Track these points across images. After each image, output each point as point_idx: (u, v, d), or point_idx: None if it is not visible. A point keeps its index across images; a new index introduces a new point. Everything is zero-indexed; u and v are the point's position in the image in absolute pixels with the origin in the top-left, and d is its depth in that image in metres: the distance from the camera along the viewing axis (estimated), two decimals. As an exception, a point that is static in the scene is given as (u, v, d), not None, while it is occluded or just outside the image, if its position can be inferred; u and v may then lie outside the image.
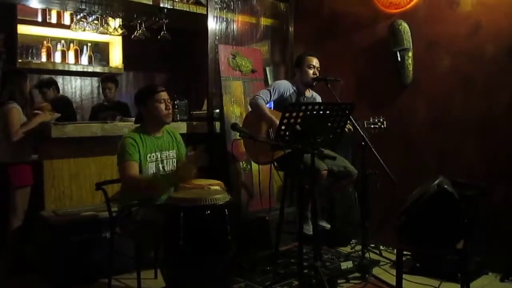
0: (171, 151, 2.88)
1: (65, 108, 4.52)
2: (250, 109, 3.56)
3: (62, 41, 5.37)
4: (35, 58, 5.18)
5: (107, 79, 4.97)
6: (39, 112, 3.45)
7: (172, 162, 2.88)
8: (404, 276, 2.60)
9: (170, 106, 2.81)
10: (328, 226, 3.49)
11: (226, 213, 2.36)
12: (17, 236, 3.30)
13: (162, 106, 2.75)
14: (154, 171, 2.76)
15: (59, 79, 5.43)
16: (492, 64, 3.36)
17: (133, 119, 3.22)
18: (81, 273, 3.08)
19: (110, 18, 4.83)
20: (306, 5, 4.71)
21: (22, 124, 3.28)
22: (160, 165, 2.81)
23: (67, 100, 5.01)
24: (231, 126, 3.07)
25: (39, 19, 5.13)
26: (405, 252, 3.15)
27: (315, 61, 3.48)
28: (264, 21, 4.66)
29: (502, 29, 3.31)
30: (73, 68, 5.42)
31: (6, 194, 3.31)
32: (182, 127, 3.86)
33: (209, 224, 2.31)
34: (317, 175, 3.05)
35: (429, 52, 3.72)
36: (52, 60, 5.27)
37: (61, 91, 5.37)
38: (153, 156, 2.77)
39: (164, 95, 2.78)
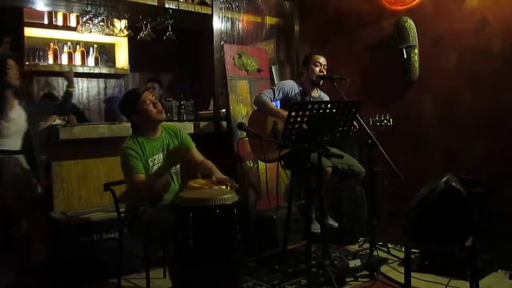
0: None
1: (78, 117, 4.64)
2: (255, 108, 3.57)
3: (69, 43, 5.39)
4: (42, 61, 5.20)
5: (151, 79, 5.30)
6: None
7: None
8: (412, 274, 2.59)
9: (157, 102, 2.76)
10: (336, 224, 3.49)
11: (235, 212, 2.37)
12: (26, 237, 3.33)
13: (150, 106, 2.71)
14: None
15: (65, 81, 5.46)
16: (499, 60, 3.34)
17: None
18: (90, 273, 3.09)
19: (115, 20, 4.85)
20: (311, 3, 4.70)
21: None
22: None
23: (79, 109, 5.09)
24: (237, 126, 3.08)
25: (46, 21, 5.14)
26: (413, 250, 3.15)
27: (321, 59, 3.48)
28: (269, 20, 4.66)
29: (509, 24, 3.29)
30: (80, 69, 5.43)
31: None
32: (189, 127, 3.88)
33: (218, 223, 2.32)
34: (322, 172, 3.05)
35: (435, 48, 3.71)
36: (58, 62, 5.29)
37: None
38: (155, 159, 2.76)
39: (147, 95, 2.74)
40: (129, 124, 3.21)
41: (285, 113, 3.05)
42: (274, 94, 3.44)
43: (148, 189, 2.64)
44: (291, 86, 3.50)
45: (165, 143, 2.83)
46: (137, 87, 2.97)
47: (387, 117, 3.48)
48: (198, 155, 2.89)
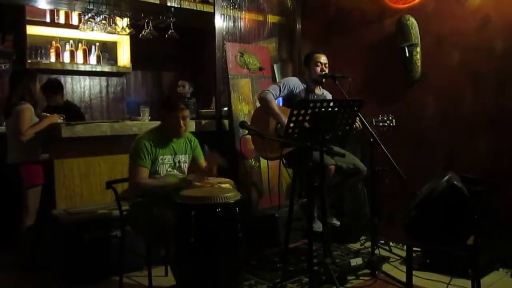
0: (183, 155, 2.94)
1: (74, 114, 4.58)
2: (258, 105, 3.57)
3: (71, 41, 5.41)
4: (44, 59, 5.21)
5: (181, 78, 5.51)
6: (48, 114, 3.49)
7: (184, 167, 2.95)
8: (414, 272, 2.60)
9: (186, 123, 2.89)
10: (337, 223, 3.49)
11: (237, 211, 2.37)
12: (29, 235, 3.34)
13: (179, 122, 2.83)
14: (166, 173, 2.82)
15: (68, 79, 5.48)
16: (502, 59, 3.33)
17: None
18: (93, 271, 3.10)
19: (117, 18, 4.86)
20: (313, 1, 4.69)
21: (32, 125, 3.31)
22: (172, 168, 2.87)
23: (75, 106, 5.06)
24: (239, 124, 3.08)
25: (48, 19, 5.16)
26: (415, 249, 3.16)
27: (323, 58, 3.48)
28: (271, 18, 4.66)
29: (512, 23, 3.29)
30: (82, 68, 5.45)
31: (18, 193, 3.35)
32: (191, 125, 3.87)
33: (220, 222, 2.32)
34: (325, 170, 3.05)
35: (437, 47, 3.70)
36: (61, 60, 5.30)
37: (70, 91, 5.42)
38: (166, 159, 2.84)
39: (185, 112, 2.86)
40: (131, 122, 3.24)
41: (284, 118, 3.05)
42: (280, 91, 3.43)
43: (143, 189, 2.72)
44: (296, 83, 3.50)
45: (179, 148, 2.92)
46: (178, 97, 3.04)
47: (390, 117, 3.46)
48: (203, 163, 3.03)
